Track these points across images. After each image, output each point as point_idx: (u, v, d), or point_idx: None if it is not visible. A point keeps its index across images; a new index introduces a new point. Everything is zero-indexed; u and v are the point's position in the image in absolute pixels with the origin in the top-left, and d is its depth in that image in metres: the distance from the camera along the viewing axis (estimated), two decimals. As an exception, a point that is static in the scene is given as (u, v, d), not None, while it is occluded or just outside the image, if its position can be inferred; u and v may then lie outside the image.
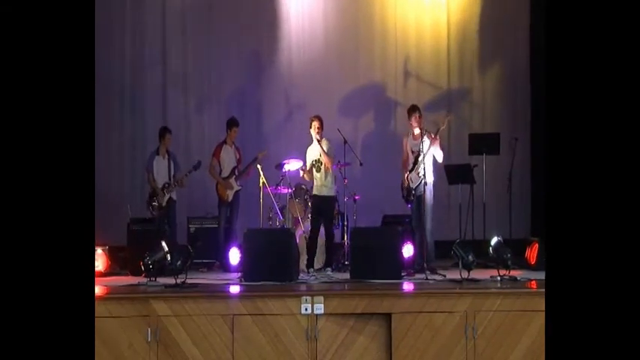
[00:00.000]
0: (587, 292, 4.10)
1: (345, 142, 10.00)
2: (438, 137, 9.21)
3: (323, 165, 9.40)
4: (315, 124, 9.37)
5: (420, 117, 9.39)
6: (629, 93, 4.17)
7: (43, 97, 4.21)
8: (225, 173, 10.44)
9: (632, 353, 4.03)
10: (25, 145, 4.18)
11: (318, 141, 9.38)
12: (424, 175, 8.99)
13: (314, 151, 9.49)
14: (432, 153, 9.21)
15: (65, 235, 4.22)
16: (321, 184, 9.44)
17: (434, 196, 9.31)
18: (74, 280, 4.23)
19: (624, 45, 4.19)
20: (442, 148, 9.34)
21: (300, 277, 8.69)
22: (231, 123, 10.52)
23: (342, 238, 10.19)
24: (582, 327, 4.09)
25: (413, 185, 9.23)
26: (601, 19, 4.22)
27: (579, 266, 4.13)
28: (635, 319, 4.04)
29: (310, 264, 9.36)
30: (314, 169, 9.46)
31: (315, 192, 9.53)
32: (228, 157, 10.47)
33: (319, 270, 9.35)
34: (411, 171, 9.26)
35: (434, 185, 9.34)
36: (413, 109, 9.47)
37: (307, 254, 9.41)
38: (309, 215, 9.87)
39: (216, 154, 10.48)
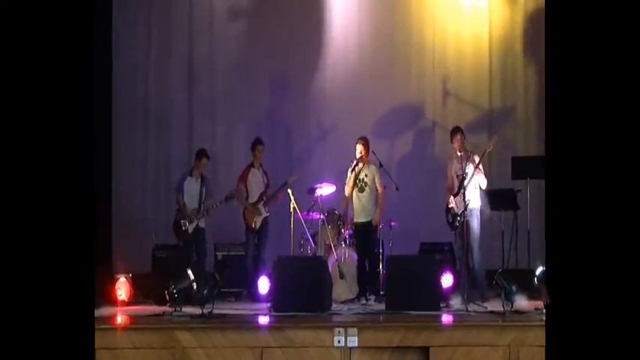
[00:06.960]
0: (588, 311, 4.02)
1: (381, 165, 9.86)
2: (480, 168, 9.21)
3: (368, 187, 9.48)
4: (358, 147, 9.52)
5: (462, 139, 9.46)
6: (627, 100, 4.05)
7: (39, 102, 4.17)
8: (253, 198, 10.16)
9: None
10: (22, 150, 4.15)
11: (357, 165, 9.48)
12: (469, 200, 8.95)
13: (362, 172, 9.56)
14: (476, 180, 9.19)
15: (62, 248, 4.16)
16: (362, 208, 9.50)
17: (481, 222, 9.34)
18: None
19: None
20: (485, 175, 9.35)
21: (332, 308, 8.54)
22: (255, 142, 10.32)
23: (378, 266, 9.96)
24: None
25: (458, 210, 9.19)
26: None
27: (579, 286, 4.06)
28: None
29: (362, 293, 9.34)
30: (356, 189, 9.48)
31: (355, 219, 9.56)
32: (256, 181, 10.23)
33: (352, 300, 9.18)
34: (455, 195, 9.23)
35: (480, 212, 9.35)
36: (454, 131, 9.60)
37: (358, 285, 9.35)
38: (342, 242, 9.73)
39: (244, 177, 10.20)
